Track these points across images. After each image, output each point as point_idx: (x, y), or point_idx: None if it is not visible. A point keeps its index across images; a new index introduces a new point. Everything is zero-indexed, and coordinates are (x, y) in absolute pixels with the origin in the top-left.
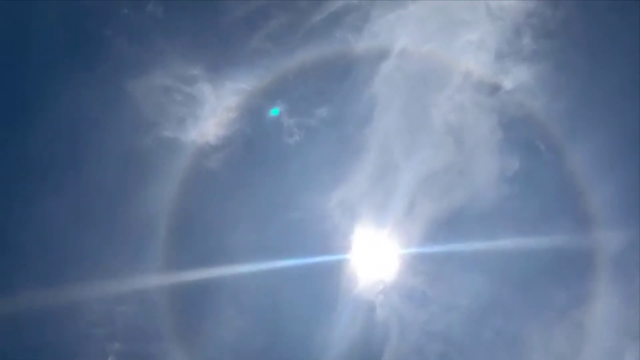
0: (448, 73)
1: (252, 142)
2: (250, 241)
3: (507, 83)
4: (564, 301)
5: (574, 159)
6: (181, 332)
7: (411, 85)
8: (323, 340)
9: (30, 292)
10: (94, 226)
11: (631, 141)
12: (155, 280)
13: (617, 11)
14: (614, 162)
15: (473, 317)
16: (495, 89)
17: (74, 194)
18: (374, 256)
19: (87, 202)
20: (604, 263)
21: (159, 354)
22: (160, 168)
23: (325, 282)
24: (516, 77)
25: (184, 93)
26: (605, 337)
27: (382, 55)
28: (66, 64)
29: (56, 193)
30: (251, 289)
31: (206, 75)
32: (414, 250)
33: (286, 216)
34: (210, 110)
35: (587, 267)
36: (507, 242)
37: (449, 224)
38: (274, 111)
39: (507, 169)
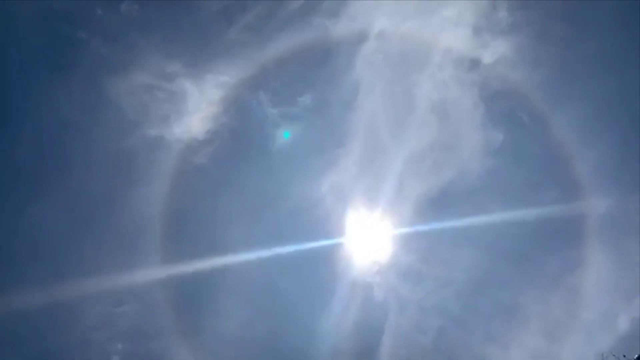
0: (428, 51)
1: (239, 135)
2: (245, 232)
3: (487, 57)
4: (556, 268)
5: (557, 128)
6: (182, 327)
7: (392, 66)
8: (324, 324)
9: (27, 296)
10: (87, 229)
11: (612, 107)
12: (153, 277)
13: None
14: (596, 130)
15: (468, 290)
16: (475, 63)
17: (64, 199)
18: (368, 238)
19: (78, 206)
20: (593, 228)
21: (162, 351)
22: (148, 167)
23: (322, 267)
24: (495, 51)
25: (166, 90)
26: (599, 300)
27: (361, 38)
28: (43, 69)
29: (46, 199)
30: (249, 279)
31: (186, 70)
32: (406, 229)
33: (279, 205)
34: (194, 105)
35: (576, 233)
36: (496, 215)
37: (439, 201)
38: (286, 134)
39: (491, 142)
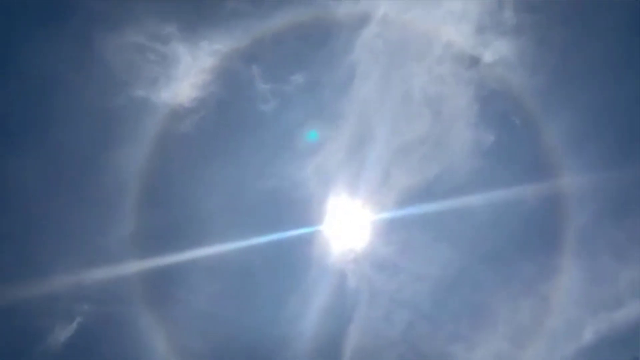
0: (429, 43)
1: (227, 107)
2: (223, 208)
3: (487, 56)
4: (530, 275)
5: (548, 135)
6: (151, 296)
7: (391, 54)
8: (295, 308)
9: None
10: (62, 185)
11: (604, 118)
12: (125, 243)
13: None
14: (586, 140)
15: (441, 287)
16: (474, 61)
17: (40, 154)
18: (348, 225)
19: (54, 163)
20: (572, 240)
21: (129, 316)
22: (131, 128)
23: (297, 251)
24: (496, 51)
25: (158, 52)
26: (567, 309)
27: (363, 21)
28: (32, 19)
29: (22, 153)
30: (223, 260)
31: (181, 34)
32: (386, 220)
33: (261, 184)
34: (185, 71)
35: (555, 243)
36: (478, 215)
37: (423, 195)
38: (312, 134)
39: (482, 142)
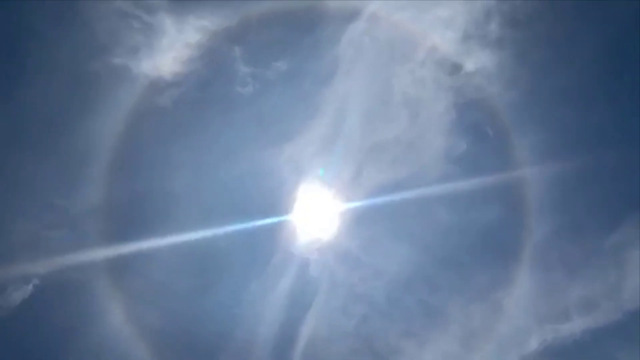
0: (414, 46)
1: (207, 85)
2: (192, 187)
3: (469, 65)
4: (485, 281)
5: (518, 148)
6: (112, 267)
7: (376, 52)
8: (256, 292)
9: None
10: (28, 146)
11: (573, 139)
12: (91, 207)
13: (582, 11)
14: (554, 157)
15: (398, 285)
16: (456, 68)
17: (9, 109)
18: (315, 215)
19: (24, 125)
20: (530, 254)
21: (87, 285)
22: (107, 97)
23: (265, 238)
24: (478, 60)
25: (143, 21)
26: (516, 317)
27: (352, 16)
28: None
29: None
30: (188, 239)
31: (169, 6)
32: (353, 214)
33: (232, 167)
34: (168, 44)
35: (512, 254)
36: (442, 221)
37: (391, 195)
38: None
39: (454, 149)
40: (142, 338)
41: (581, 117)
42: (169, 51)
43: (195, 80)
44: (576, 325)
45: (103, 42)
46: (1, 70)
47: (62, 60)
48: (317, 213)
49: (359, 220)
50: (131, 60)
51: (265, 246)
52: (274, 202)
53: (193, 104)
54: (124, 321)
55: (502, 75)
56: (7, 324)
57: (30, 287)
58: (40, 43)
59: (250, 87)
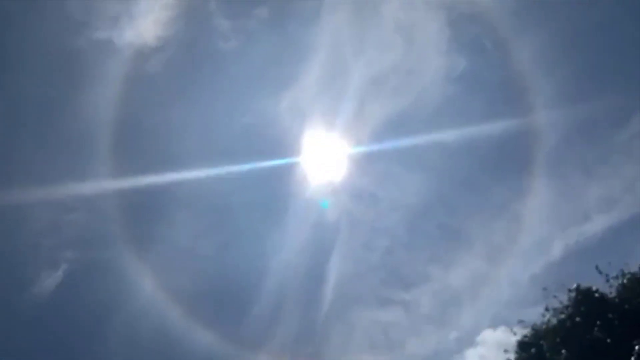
0: None
1: (191, 45)
2: (198, 146)
3: None
4: (502, 196)
5: (518, 57)
6: (132, 237)
7: None
8: (275, 241)
9: None
10: (29, 134)
11: (574, 39)
12: (102, 187)
13: None
14: (556, 61)
15: (417, 213)
16: None
17: (3, 102)
18: (325, 158)
19: (19, 109)
20: (542, 158)
21: (112, 260)
22: (96, 72)
23: (276, 185)
24: None
25: None
26: (537, 227)
27: None
28: None
29: None
30: (201, 194)
31: None
32: (362, 151)
33: (234, 121)
34: (147, 8)
35: (525, 163)
36: (451, 142)
37: (396, 124)
38: (324, 204)
39: (454, 68)
40: (175, 302)
41: (584, 17)
42: (148, 15)
43: (179, 42)
44: (597, 225)
45: (80, 17)
46: None
47: (43, 43)
48: (325, 155)
49: (368, 156)
50: (113, 33)
51: (279, 193)
52: (281, 148)
53: (183, 65)
54: (155, 289)
55: None
56: (46, 311)
57: (60, 272)
58: (16, 28)
59: (233, 41)
